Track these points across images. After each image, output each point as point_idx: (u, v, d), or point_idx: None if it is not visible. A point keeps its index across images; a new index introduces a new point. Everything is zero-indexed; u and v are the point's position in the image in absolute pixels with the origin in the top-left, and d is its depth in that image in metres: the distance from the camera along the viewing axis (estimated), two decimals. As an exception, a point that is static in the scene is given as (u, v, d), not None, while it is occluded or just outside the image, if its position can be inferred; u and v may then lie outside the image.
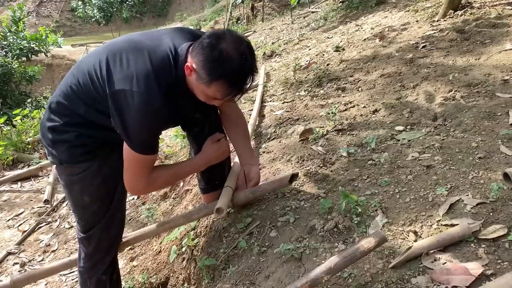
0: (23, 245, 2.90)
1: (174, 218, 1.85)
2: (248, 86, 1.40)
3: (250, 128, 2.32)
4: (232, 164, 1.90)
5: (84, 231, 1.65)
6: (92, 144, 1.54)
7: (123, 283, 2.23)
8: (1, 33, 9.00)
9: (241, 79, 1.36)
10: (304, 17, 7.65)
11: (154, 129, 1.42)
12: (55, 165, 1.62)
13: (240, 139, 1.81)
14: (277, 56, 4.83)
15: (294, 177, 1.69)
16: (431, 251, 1.17)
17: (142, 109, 1.34)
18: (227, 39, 1.32)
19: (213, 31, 1.39)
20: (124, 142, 1.42)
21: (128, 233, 1.88)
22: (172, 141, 3.15)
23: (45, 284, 2.44)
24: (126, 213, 2.91)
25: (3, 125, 5.38)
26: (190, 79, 1.40)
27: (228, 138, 1.80)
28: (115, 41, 1.54)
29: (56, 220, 3.17)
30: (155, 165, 1.55)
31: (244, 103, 3.29)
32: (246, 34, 7.69)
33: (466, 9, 3.62)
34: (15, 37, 9.15)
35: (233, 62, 1.30)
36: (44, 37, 9.61)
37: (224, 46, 1.30)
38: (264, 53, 4.93)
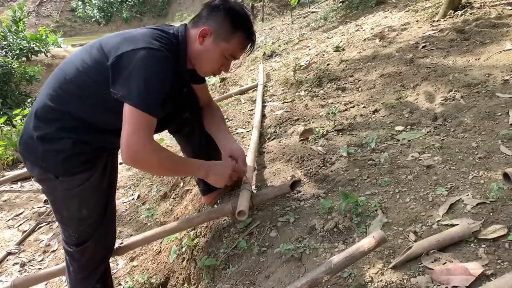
0: (23, 245, 2.90)
1: (177, 223, 1.78)
2: (255, 41, 1.56)
3: (255, 130, 2.33)
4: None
5: (78, 244, 1.55)
6: (89, 152, 1.45)
7: (123, 283, 2.24)
8: (1, 33, 9.01)
9: (252, 29, 1.53)
10: (304, 17, 7.66)
11: (158, 84, 1.32)
12: (42, 181, 1.48)
13: (219, 125, 1.78)
14: (277, 56, 4.83)
15: (296, 183, 1.70)
16: (431, 251, 1.17)
17: (146, 61, 1.29)
18: (230, 0, 1.49)
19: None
20: (125, 104, 1.30)
21: (130, 236, 1.88)
22: (173, 142, 3.15)
23: (45, 284, 2.44)
24: (126, 213, 2.94)
25: (3, 125, 5.38)
26: (202, 48, 1.48)
27: (206, 127, 1.78)
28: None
29: (56, 220, 3.16)
30: None
31: (244, 103, 3.29)
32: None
33: (466, 9, 3.62)
34: (15, 37, 9.18)
35: (245, 14, 1.50)
36: (44, 37, 9.63)
37: (232, 4, 1.48)
38: (264, 53, 4.93)
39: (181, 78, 1.53)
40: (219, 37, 1.46)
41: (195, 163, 1.62)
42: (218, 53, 1.48)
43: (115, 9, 20.36)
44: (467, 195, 1.39)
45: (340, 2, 6.79)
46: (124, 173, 3.56)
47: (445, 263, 1.13)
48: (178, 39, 1.47)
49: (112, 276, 1.86)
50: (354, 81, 2.92)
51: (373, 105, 2.38)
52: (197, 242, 1.84)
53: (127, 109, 1.30)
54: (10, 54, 8.87)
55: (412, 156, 1.75)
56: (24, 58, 9.23)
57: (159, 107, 1.34)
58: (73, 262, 1.61)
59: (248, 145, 2.28)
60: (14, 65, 8.30)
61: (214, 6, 1.47)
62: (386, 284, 1.13)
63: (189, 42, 1.49)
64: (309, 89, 3.04)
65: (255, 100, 3.11)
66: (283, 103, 2.95)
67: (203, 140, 1.81)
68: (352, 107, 2.48)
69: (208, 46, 1.47)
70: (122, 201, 3.11)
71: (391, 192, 1.55)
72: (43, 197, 3.43)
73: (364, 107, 2.42)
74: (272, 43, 5.93)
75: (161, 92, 1.34)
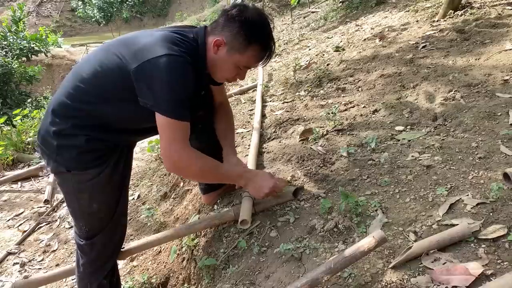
0: (23, 245, 2.90)
1: (179, 229, 1.79)
2: (273, 50, 1.52)
3: (255, 132, 2.33)
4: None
5: (87, 237, 1.59)
6: (102, 149, 1.49)
7: (123, 283, 2.24)
8: (1, 33, 9.02)
9: (270, 42, 1.49)
10: (304, 17, 7.66)
11: (183, 89, 1.36)
12: (57, 174, 1.53)
13: (227, 131, 1.80)
14: (277, 56, 4.83)
15: (299, 190, 1.69)
16: (431, 251, 1.17)
17: (168, 69, 1.31)
18: (250, 8, 1.45)
19: (230, 6, 1.48)
20: (156, 113, 1.36)
21: (130, 236, 1.87)
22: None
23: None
24: (126, 213, 2.93)
25: (3, 125, 5.38)
26: (217, 57, 1.47)
27: (215, 128, 1.81)
28: (123, 36, 1.55)
29: (56, 220, 3.17)
30: None
31: (244, 103, 3.29)
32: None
33: (466, 9, 3.62)
34: (15, 37, 9.19)
35: (263, 25, 1.46)
36: (44, 37, 9.64)
37: (250, 13, 1.44)
38: (264, 53, 4.93)
39: (201, 81, 1.52)
40: (233, 49, 1.45)
41: (236, 171, 1.63)
42: (232, 64, 1.48)
43: (115, 9, 20.38)
44: (467, 195, 1.39)
45: (340, 2, 6.79)
46: (124, 173, 3.56)
47: (445, 263, 1.13)
48: (197, 42, 1.47)
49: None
50: (354, 81, 2.92)
51: (373, 105, 2.38)
52: (197, 242, 1.84)
53: (159, 118, 1.36)
54: (10, 54, 8.88)
55: (412, 156, 1.75)
56: (24, 58, 9.24)
57: (188, 111, 1.39)
58: (83, 255, 1.64)
59: (249, 145, 2.29)
60: (14, 65, 8.31)
61: (230, 16, 1.44)
62: (386, 284, 1.13)
63: (208, 47, 1.48)
64: (309, 89, 3.04)
65: (255, 100, 3.11)
66: (283, 103, 2.95)
67: (211, 138, 1.81)
68: (352, 107, 2.48)
69: (222, 56, 1.47)
70: (122, 201, 3.11)
71: (391, 192, 1.55)
72: (43, 197, 3.43)
73: (364, 107, 2.42)
74: (272, 43, 5.94)
75: (186, 96, 1.38)
